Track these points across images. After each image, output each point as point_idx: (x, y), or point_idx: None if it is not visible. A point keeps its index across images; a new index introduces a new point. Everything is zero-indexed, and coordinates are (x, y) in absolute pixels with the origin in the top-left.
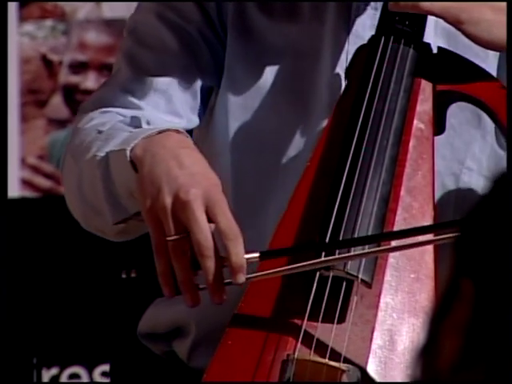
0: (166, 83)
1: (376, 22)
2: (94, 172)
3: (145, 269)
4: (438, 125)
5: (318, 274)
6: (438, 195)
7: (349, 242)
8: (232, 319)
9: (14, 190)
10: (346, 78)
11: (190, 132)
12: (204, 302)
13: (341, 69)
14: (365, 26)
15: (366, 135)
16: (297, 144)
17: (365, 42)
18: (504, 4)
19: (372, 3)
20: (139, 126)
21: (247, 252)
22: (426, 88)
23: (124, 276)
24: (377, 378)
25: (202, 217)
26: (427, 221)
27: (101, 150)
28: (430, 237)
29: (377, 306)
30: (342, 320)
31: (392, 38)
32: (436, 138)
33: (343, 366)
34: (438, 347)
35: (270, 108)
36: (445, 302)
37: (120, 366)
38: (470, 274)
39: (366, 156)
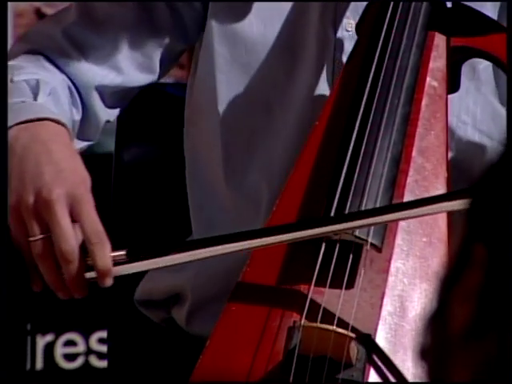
0: (112, 36)
1: None
2: None
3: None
4: (452, 82)
5: (324, 238)
6: None
7: (355, 215)
8: (236, 286)
9: None
10: (356, 33)
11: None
12: (201, 268)
13: (329, 21)
14: None
15: (377, 93)
16: (286, 98)
17: None
18: None
19: None
20: (35, 89)
21: (113, 250)
22: (439, 44)
23: None
24: (387, 346)
25: (64, 219)
26: (440, 182)
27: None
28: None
29: (387, 271)
30: (350, 286)
31: None
32: None
33: (351, 333)
34: (449, 314)
35: (258, 62)
36: (456, 268)
37: (117, 333)
38: (483, 239)
39: (376, 115)
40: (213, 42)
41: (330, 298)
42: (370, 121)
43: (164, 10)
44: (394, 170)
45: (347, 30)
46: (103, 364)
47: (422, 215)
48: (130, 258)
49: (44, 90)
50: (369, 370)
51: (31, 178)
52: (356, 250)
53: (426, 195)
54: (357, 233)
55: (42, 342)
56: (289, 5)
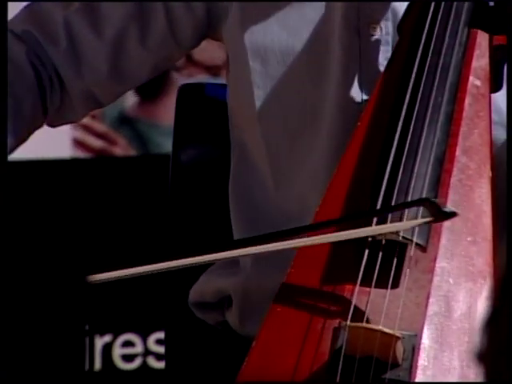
0: (106, 38)
1: None
2: None
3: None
4: (495, 81)
5: (369, 238)
6: None
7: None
8: (280, 287)
9: (66, 151)
10: (398, 33)
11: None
12: (249, 271)
13: (352, 27)
14: None
15: (420, 92)
16: (316, 107)
17: None
18: None
19: None
20: None
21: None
22: (482, 43)
23: None
24: (433, 345)
25: None
26: (484, 182)
27: None
28: None
29: (432, 271)
30: (395, 285)
31: None
32: None
33: (397, 332)
34: (505, 318)
35: (289, 73)
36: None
37: (175, 334)
38: None
39: (419, 114)
40: (247, 60)
41: (375, 297)
42: (413, 119)
43: (161, 20)
44: (437, 170)
45: (371, 35)
46: (161, 365)
47: None
48: None
49: None
50: (415, 370)
51: None
52: (401, 250)
53: (471, 194)
54: (402, 233)
55: (100, 342)
56: (313, 14)
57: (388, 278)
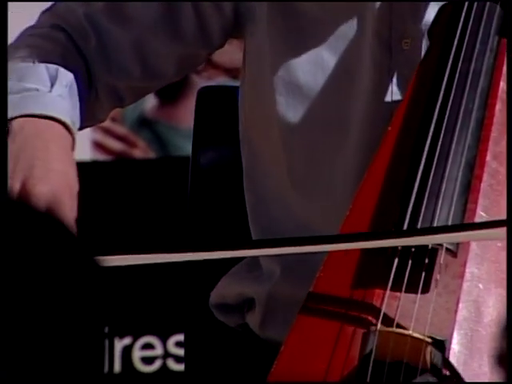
0: (133, 35)
1: None
2: None
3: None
4: None
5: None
6: None
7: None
8: (309, 293)
9: (86, 153)
10: (428, 37)
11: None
12: (278, 279)
13: (383, 42)
14: None
15: (451, 97)
16: (344, 121)
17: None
18: None
19: None
20: (54, 77)
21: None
22: None
23: None
24: (463, 351)
25: None
26: None
27: (12, 80)
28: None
29: (462, 276)
30: (425, 290)
31: None
32: None
33: (427, 337)
34: None
35: (316, 85)
36: None
37: (194, 337)
38: None
39: (450, 119)
40: (271, 66)
41: (405, 302)
42: (444, 124)
43: (190, 19)
44: (468, 175)
45: (403, 50)
46: (180, 367)
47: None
48: None
49: (61, 81)
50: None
51: (23, 167)
52: (431, 255)
53: (501, 200)
54: None
55: (119, 345)
56: (346, 29)
57: (418, 283)
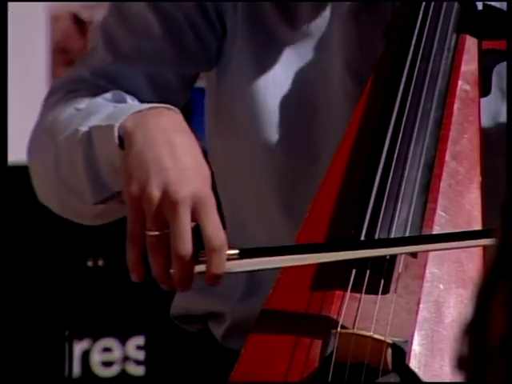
0: (139, 68)
1: None
2: (75, 148)
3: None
4: (484, 86)
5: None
6: None
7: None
8: (269, 296)
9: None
10: (384, 37)
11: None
12: (238, 290)
13: (354, 73)
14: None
15: (409, 98)
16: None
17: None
18: None
19: None
20: (123, 101)
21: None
22: (471, 47)
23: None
24: (423, 352)
25: (186, 222)
26: (474, 187)
27: (82, 124)
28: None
29: (422, 277)
30: (386, 291)
31: None
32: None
33: (388, 338)
34: (487, 323)
35: (284, 106)
36: (493, 277)
37: (154, 340)
38: None
39: (408, 120)
40: (241, 92)
41: (366, 304)
42: (402, 125)
43: (192, 40)
44: (427, 175)
45: None
46: (140, 371)
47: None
48: (242, 258)
49: (127, 97)
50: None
51: (156, 171)
52: (391, 256)
53: (460, 199)
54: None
55: (79, 347)
56: (311, 55)
57: (379, 284)
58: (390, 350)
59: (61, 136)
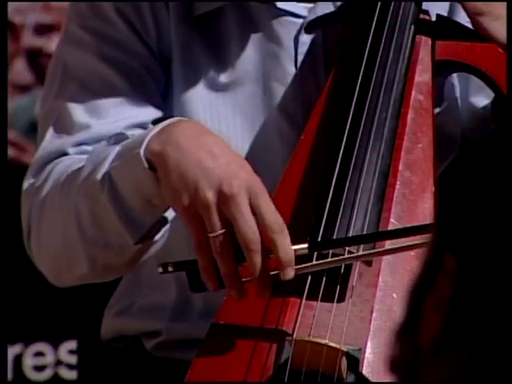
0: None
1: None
2: (95, 199)
3: None
4: (438, 96)
5: (315, 253)
6: None
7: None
8: (223, 304)
9: None
10: (338, 48)
11: None
12: (169, 308)
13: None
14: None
15: (366, 107)
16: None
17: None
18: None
19: None
20: (122, 140)
21: (294, 243)
22: (424, 58)
23: None
24: (376, 360)
25: (247, 210)
26: (427, 196)
27: (97, 172)
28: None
29: (376, 285)
30: (341, 299)
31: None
32: None
33: (343, 346)
34: (420, 325)
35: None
36: (426, 278)
37: (87, 344)
38: (453, 249)
39: (365, 129)
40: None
41: (321, 312)
42: (359, 135)
43: (152, 85)
44: (382, 184)
45: None
46: (73, 375)
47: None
48: (312, 251)
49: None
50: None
51: (202, 175)
52: (347, 264)
53: (413, 209)
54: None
55: (11, 351)
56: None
57: (334, 292)
58: (344, 358)
59: (74, 194)
